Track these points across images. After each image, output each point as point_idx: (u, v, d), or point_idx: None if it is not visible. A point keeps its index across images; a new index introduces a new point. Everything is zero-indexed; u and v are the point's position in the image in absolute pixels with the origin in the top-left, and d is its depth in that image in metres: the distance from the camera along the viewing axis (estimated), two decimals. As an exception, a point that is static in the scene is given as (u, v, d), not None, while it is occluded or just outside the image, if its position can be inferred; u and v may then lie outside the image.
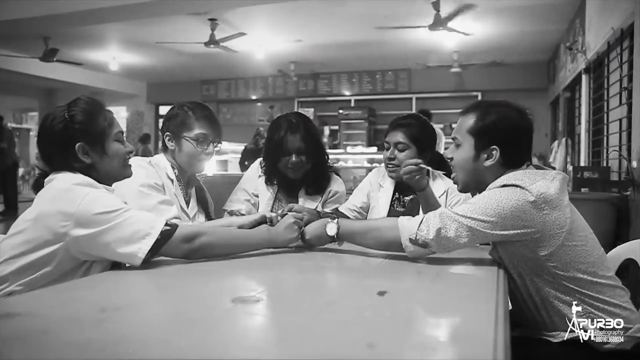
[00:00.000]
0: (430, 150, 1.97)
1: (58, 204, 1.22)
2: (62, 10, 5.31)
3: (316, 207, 1.98)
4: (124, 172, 1.44)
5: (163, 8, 5.24)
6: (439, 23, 5.71)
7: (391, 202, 2.03)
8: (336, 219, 1.45)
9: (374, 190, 2.07)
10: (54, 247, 1.22)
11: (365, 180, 2.15)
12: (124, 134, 1.44)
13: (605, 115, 4.54)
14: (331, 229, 1.43)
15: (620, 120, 4.03)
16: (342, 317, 0.90)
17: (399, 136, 1.93)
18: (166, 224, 1.26)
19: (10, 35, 6.70)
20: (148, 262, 1.22)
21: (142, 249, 1.20)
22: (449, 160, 1.44)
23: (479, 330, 0.81)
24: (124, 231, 1.21)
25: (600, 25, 4.47)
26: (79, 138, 1.32)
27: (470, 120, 1.37)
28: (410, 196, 2.02)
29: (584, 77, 5.17)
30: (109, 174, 1.39)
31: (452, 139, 1.42)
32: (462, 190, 1.46)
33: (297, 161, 1.92)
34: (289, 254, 1.51)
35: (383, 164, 2.03)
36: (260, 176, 2.03)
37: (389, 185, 2.05)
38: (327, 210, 1.97)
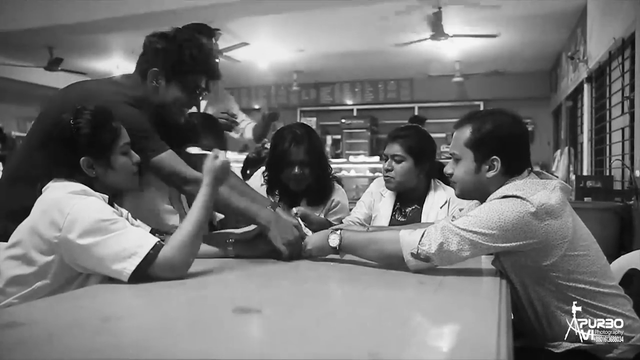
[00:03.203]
0: (428, 161, 1.97)
1: (49, 214, 1.21)
2: (67, 21, 5.35)
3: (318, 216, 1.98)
4: (130, 185, 1.41)
5: (168, 18, 5.27)
6: (441, 32, 5.74)
7: (392, 212, 2.04)
8: (339, 231, 1.45)
9: (376, 201, 2.08)
10: (49, 258, 1.21)
11: (367, 192, 2.16)
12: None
13: (608, 124, 4.53)
14: (333, 240, 1.42)
15: (623, 129, 4.02)
16: (344, 326, 0.90)
17: (395, 148, 1.95)
18: (154, 245, 1.19)
19: (15, 45, 6.75)
20: (137, 281, 1.18)
21: (126, 268, 1.16)
22: (448, 177, 1.44)
23: (481, 341, 0.80)
24: (111, 247, 1.17)
25: (601, 34, 4.48)
26: (84, 152, 1.29)
27: (466, 133, 1.36)
28: (411, 206, 2.02)
29: (585, 86, 5.18)
30: (113, 187, 1.37)
31: (451, 154, 1.42)
32: (459, 196, 1.46)
33: (300, 173, 1.93)
34: (291, 264, 1.51)
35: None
36: (262, 185, 2.04)
37: (390, 195, 2.06)
38: (330, 220, 1.97)
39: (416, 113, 9.24)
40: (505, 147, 1.33)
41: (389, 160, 1.97)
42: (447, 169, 1.43)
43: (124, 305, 1.12)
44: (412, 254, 1.28)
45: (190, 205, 1.86)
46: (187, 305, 1.06)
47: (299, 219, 1.65)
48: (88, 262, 1.20)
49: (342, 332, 0.86)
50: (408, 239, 1.30)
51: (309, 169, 1.94)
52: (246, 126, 2.65)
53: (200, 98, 1.66)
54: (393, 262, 1.35)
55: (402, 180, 1.95)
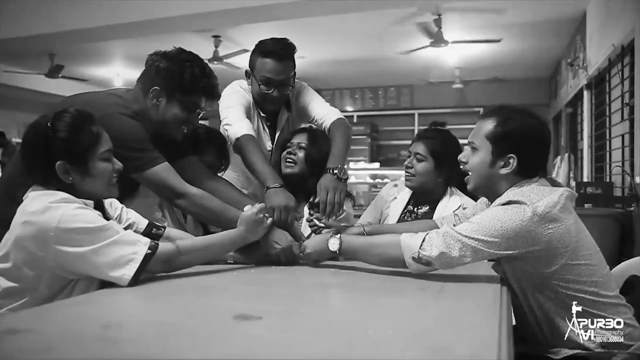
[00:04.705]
0: (449, 166, 1.97)
1: (33, 227, 1.16)
2: (67, 28, 5.37)
3: None
4: (108, 193, 1.34)
5: (169, 25, 5.30)
6: (441, 39, 5.77)
7: (402, 213, 2.04)
8: (339, 234, 1.45)
9: (387, 202, 2.09)
10: (37, 271, 1.18)
11: (378, 196, 2.18)
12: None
13: (608, 131, 4.54)
14: (333, 244, 1.42)
15: (623, 135, 4.03)
16: (345, 333, 0.90)
17: (419, 147, 1.98)
18: (149, 247, 1.22)
19: (16, 52, 6.77)
20: (135, 283, 1.20)
21: (125, 274, 1.18)
22: (462, 165, 1.42)
23: (483, 347, 0.80)
24: (106, 255, 1.17)
25: (600, 41, 4.50)
26: (60, 156, 1.22)
27: (489, 125, 1.35)
28: (424, 208, 2.02)
29: (585, 93, 5.19)
30: (90, 194, 1.29)
31: (469, 142, 1.41)
32: (472, 190, 1.45)
33: (292, 153, 1.91)
34: (291, 271, 1.51)
35: (389, 181, 2.05)
36: None
37: (403, 197, 2.07)
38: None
39: (416, 119, 9.28)
40: (525, 148, 1.32)
41: (412, 157, 1.99)
42: (462, 157, 1.42)
43: (124, 312, 1.11)
44: (414, 258, 1.28)
45: (184, 214, 1.89)
46: (188, 312, 1.05)
47: (308, 208, 1.66)
48: (84, 268, 1.19)
49: (343, 339, 0.86)
50: (409, 242, 1.30)
51: (304, 155, 1.90)
52: (326, 121, 2.00)
53: (199, 117, 1.69)
54: (394, 265, 1.35)
55: (420, 179, 1.97)
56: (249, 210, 1.49)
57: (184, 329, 0.90)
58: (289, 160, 1.92)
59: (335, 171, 1.70)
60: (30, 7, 5.34)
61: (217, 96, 1.71)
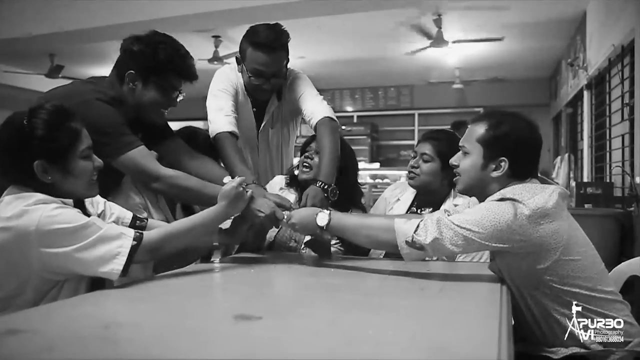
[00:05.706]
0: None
1: (12, 232, 1.13)
2: (67, 28, 5.37)
3: None
4: (89, 192, 1.31)
5: (168, 25, 5.30)
6: (441, 40, 5.77)
7: (406, 213, 2.03)
8: (329, 210, 1.44)
9: (391, 204, 2.08)
10: (22, 277, 1.16)
11: (381, 197, 2.17)
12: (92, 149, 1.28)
13: (608, 131, 4.54)
14: (322, 219, 1.41)
15: (623, 136, 4.03)
16: (345, 333, 0.90)
17: (426, 148, 1.96)
18: (134, 238, 1.21)
19: (17, 52, 6.78)
20: (128, 284, 1.19)
21: (114, 269, 1.17)
22: (454, 168, 1.44)
23: (483, 347, 0.80)
24: (93, 252, 1.16)
25: (600, 41, 4.50)
26: (38, 155, 1.17)
27: (480, 129, 1.37)
28: (427, 210, 2.02)
29: (585, 93, 5.19)
30: (70, 194, 1.26)
31: (460, 147, 1.42)
32: (462, 191, 1.46)
33: (310, 156, 1.89)
34: (291, 271, 1.51)
35: (390, 181, 2.04)
36: (281, 189, 2.00)
37: (407, 197, 2.06)
38: None
39: (416, 120, 9.28)
40: (516, 151, 1.34)
41: (417, 157, 1.98)
42: (453, 161, 1.43)
43: (124, 313, 1.11)
44: (407, 242, 1.29)
45: (171, 209, 1.88)
46: (188, 312, 1.06)
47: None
48: (71, 267, 1.17)
49: (343, 339, 0.86)
50: (403, 227, 1.30)
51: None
52: (313, 119, 1.96)
53: (178, 99, 1.66)
54: (382, 248, 1.35)
55: (425, 179, 1.96)
56: (229, 184, 1.47)
57: (184, 329, 0.90)
58: (305, 164, 1.91)
59: (327, 187, 1.68)
60: (30, 7, 5.34)
61: (194, 76, 1.66)
